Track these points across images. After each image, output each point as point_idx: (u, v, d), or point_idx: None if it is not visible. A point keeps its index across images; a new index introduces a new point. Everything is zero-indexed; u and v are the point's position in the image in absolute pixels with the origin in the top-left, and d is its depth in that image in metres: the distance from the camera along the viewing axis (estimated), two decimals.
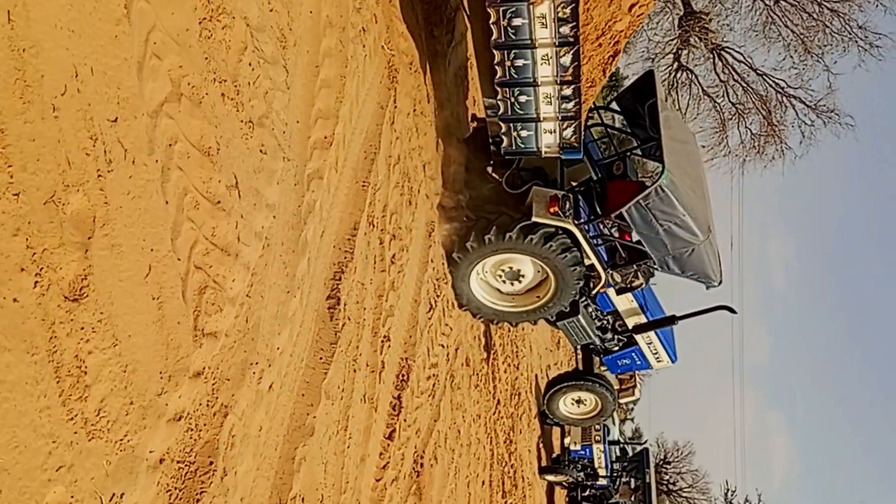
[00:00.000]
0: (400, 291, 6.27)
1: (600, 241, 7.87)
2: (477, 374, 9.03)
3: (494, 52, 6.06)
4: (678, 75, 21.84)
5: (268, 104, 4.39)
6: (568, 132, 6.50)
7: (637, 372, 10.91)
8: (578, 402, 9.80)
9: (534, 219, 7.06)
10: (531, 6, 5.71)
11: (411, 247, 6.65)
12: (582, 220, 7.43)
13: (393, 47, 6.80)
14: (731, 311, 8.77)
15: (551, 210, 7.07)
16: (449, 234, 7.64)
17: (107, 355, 2.97)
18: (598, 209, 7.77)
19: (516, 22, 5.82)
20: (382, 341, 5.81)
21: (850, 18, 19.71)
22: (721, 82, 21.29)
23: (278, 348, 4.28)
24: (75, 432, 2.79)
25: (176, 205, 3.48)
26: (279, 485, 4.24)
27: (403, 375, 6.24)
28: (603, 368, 10.02)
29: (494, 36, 5.93)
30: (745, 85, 21.23)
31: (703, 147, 22.85)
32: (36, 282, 2.70)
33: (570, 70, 6.07)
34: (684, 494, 40.97)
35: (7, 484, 2.50)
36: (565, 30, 5.82)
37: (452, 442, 7.78)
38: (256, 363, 4.03)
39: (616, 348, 9.35)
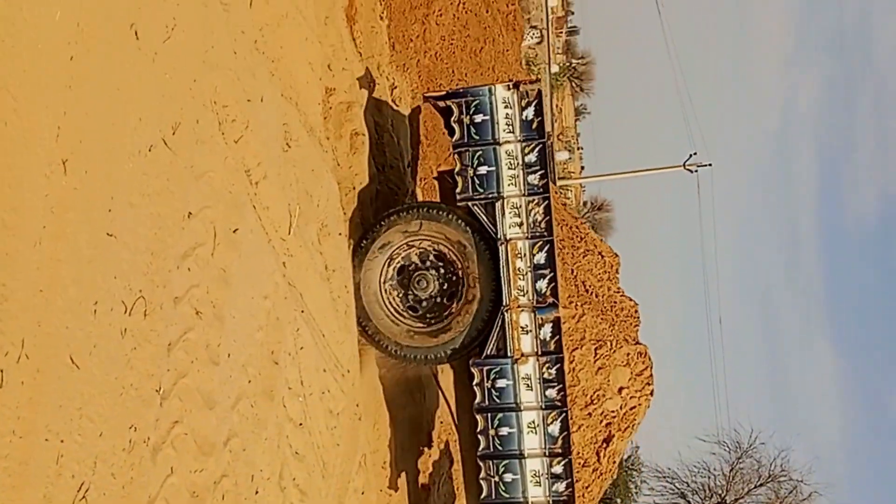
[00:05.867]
0: None
1: None
2: None
3: (477, 417, 5.65)
4: None
5: None
6: None
7: None
8: None
9: None
10: (515, 364, 5.47)
11: None
12: None
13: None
14: None
15: None
16: None
17: None
18: None
19: (500, 384, 5.53)
20: None
21: None
22: None
23: None
24: None
25: None
26: None
27: None
28: None
29: (478, 399, 5.58)
30: None
31: None
32: None
33: (560, 441, 5.51)
34: None
35: None
36: (552, 392, 5.51)
37: None
38: None
39: None
